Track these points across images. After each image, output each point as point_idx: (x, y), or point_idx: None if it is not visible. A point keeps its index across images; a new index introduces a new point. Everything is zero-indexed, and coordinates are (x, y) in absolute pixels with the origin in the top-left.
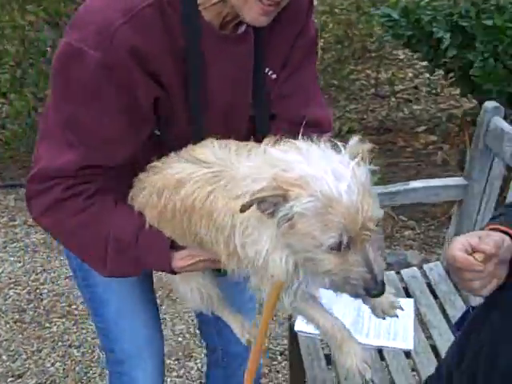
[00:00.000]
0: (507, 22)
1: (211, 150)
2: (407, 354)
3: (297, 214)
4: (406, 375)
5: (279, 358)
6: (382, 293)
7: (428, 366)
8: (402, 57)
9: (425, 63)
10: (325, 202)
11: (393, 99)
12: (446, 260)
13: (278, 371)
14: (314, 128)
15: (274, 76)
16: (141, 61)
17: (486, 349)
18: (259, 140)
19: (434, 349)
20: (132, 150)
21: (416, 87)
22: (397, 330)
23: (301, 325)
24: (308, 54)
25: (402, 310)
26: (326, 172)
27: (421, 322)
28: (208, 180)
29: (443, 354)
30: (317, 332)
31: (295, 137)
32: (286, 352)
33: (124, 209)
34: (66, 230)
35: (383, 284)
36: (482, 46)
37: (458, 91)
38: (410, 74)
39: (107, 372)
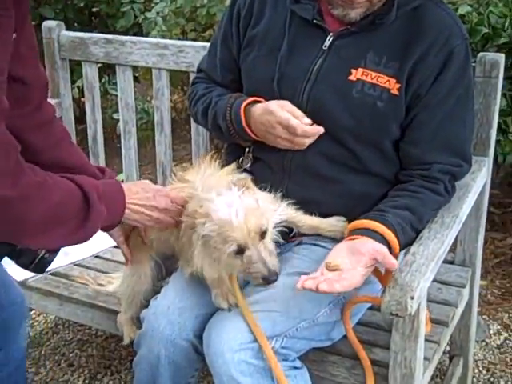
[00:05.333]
0: None
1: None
2: None
3: (206, 235)
4: None
5: None
6: (276, 279)
7: None
8: None
9: None
10: (220, 224)
11: None
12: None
13: None
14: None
15: (14, 35)
16: None
17: None
18: None
19: None
20: None
21: None
22: None
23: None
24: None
25: None
26: (222, 204)
27: None
28: None
29: None
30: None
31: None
32: None
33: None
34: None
35: (277, 273)
36: None
37: None
38: None
39: None
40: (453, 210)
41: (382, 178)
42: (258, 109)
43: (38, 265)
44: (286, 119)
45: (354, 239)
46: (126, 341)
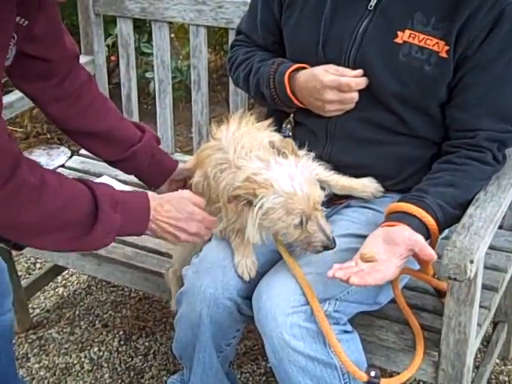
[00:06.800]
0: None
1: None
2: None
3: (268, 208)
4: None
5: None
6: (335, 245)
7: None
8: None
9: None
10: (286, 196)
11: None
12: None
13: None
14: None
15: (27, 22)
16: None
17: None
18: None
19: None
20: None
21: None
22: None
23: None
24: None
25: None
26: (283, 175)
27: None
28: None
29: None
30: None
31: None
32: None
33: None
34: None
35: (335, 241)
36: None
37: None
38: None
39: None
40: (508, 171)
41: (430, 141)
42: (302, 76)
43: (16, 244)
44: (334, 81)
45: (390, 225)
46: (173, 306)
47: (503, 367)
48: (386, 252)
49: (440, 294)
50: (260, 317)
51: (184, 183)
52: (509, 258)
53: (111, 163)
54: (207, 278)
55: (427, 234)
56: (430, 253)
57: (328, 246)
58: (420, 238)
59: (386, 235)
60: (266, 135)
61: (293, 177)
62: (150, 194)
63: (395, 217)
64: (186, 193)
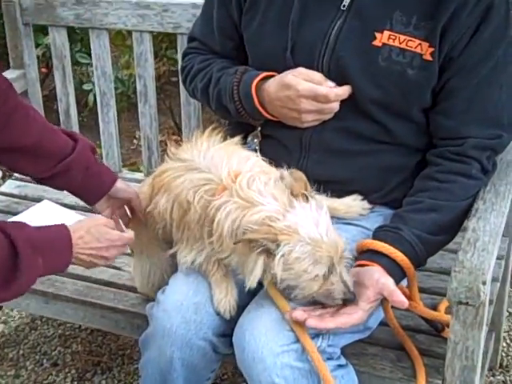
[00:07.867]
0: None
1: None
2: None
3: (295, 257)
4: None
5: None
6: (354, 298)
7: None
8: None
9: None
10: (313, 244)
11: None
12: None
13: None
14: None
15: None
16: None
17: None
18: None
19: None
20: None
21: None
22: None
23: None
24: None
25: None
26: (308, 220)
27: None
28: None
29: None
30: None
31: None
32: None
33: None
34: None
35: (354, 293)
36: None
37: None
38: None
39: None
40: (504, 177)
41: (414, 149)
42: (271, 85)
43: None
44: (310, 90)
45: (363, 265)
46: None
47: (492, 378)
48: (355, 293)
49: (436, 327)
50: (245, 358)
51: (129, 207)
52: (499, 265)
53: (40, 180)
54: (177, 318)
55: (401, 271)
56: (399, 299)
57: (348, 298)
58: (390, 281)
59: (357, 276)
60: (248, 154)
61: (317, 222)
62: (69, 226)
63: (366, 256)
64: (102, 219)
